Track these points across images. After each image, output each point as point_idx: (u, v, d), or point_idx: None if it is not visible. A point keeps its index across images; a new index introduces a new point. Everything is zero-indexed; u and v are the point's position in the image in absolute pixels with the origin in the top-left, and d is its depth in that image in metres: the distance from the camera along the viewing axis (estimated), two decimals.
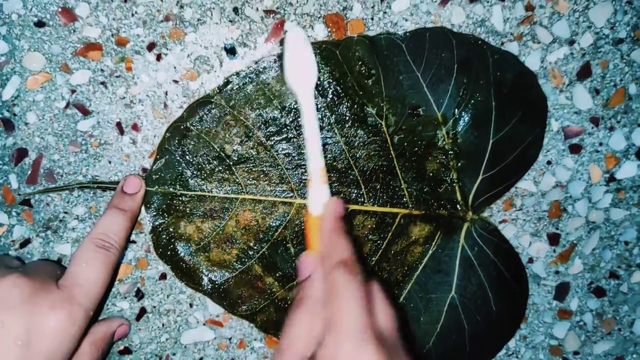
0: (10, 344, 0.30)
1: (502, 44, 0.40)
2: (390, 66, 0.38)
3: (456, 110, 0.39)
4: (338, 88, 0.38)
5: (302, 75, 0.37)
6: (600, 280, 0.44)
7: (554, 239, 0.43)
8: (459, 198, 0.40)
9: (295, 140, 0.39)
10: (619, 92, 0.41)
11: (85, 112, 0.40)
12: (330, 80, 0.38)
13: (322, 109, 0.39)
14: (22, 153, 0.40)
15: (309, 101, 0.37)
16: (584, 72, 0.40)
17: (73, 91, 0.40)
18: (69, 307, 0.32)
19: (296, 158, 0.39)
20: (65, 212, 0.41)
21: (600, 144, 0.42)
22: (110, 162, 0.41)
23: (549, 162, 0.42)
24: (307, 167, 0.37)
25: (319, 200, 0.35)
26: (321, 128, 0.39)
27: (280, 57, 0.38)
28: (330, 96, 0.38)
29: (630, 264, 0.43)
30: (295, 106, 0.38)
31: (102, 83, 0.40)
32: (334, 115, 0.39)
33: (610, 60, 0.40)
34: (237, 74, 0.39)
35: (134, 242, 0.42)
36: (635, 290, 0.44)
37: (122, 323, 0.41)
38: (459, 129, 0.39)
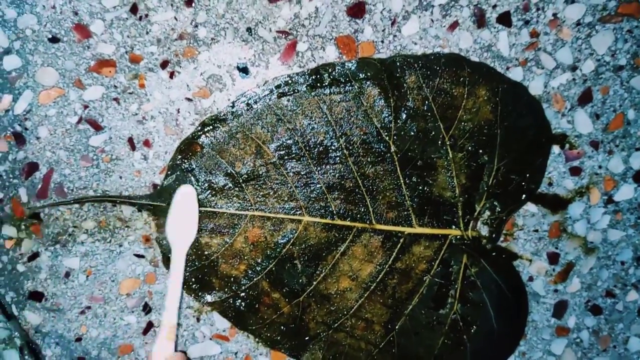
0: None
1: (508, 68, 0.41)
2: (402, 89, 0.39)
3: (463, 135, 0.40)
4: (349, 107, 0.39)
5: (182, 234, 0.39)
6: (597, 299, 0.45)
7: (553, 258, 0.44)
8: (462, 220, 0.41)
9: (304, 159, 0.40)
10: (619, 117, 0.42)
11: (98, 128, 0.40)
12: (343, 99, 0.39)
13: (333, 126, 0.39)
14: (32, 167, 0.41)
15: (181, 259, 0.39)
16: (585, 98, 0.42)
17: (86, 107, 0.40)
18: None
19: (305, 177, 0.40)
20: (75, 226, 0.41)
21: (600, 167, 0.43)
22: (121, 177, 0.41)
23: (550, 184, 0.43)
24: (161, 320, 0.39)
25: (163, 354, 0.38)
26: (330, 146, 0.39)
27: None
28: (341, 115, 0.39)
29: (626, 283, 0.45)
30: (305, 126, 0.39)
31: (115, 99, 0.40)
32: (344, 134, 0.39)
33: (610, 87, 0.42)
34: (249, 92, 0.39)
35: (142, 256, 0.42)
36: (630, 308, 0.45)
37: None
38: (465, 154, 0.40)
